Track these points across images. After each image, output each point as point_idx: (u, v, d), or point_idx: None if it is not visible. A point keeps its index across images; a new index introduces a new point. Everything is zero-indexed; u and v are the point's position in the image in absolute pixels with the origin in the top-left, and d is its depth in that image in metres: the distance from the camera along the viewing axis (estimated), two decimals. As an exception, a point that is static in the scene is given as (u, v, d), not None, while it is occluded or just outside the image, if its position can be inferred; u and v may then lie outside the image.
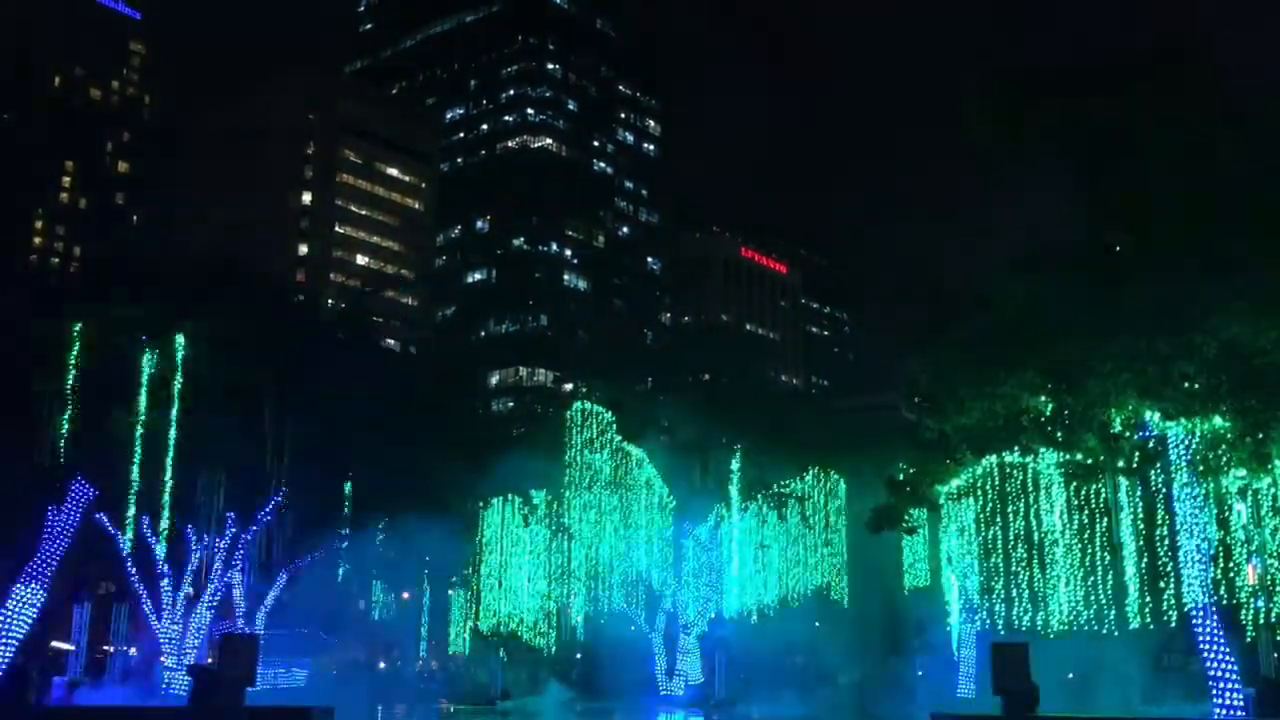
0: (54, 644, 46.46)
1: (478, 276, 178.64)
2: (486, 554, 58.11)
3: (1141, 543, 34.65)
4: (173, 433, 37.51)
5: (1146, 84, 30.67)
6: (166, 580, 41.80)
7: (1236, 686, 30.36)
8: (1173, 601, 33.21)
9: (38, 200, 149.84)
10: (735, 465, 55.85)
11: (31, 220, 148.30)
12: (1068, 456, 35.23)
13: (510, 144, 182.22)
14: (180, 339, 37.22)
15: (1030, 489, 37.69)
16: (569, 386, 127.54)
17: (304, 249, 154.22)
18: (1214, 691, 30.36)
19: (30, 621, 36.40)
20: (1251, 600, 34.29)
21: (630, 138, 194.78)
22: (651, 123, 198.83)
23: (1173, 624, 34.09)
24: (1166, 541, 33.79)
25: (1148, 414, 31.92)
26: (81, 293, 44.82)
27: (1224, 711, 29.92)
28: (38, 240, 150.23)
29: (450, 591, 62.16)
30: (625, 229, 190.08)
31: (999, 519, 38.56)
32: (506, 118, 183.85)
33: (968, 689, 47.13)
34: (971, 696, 45.39)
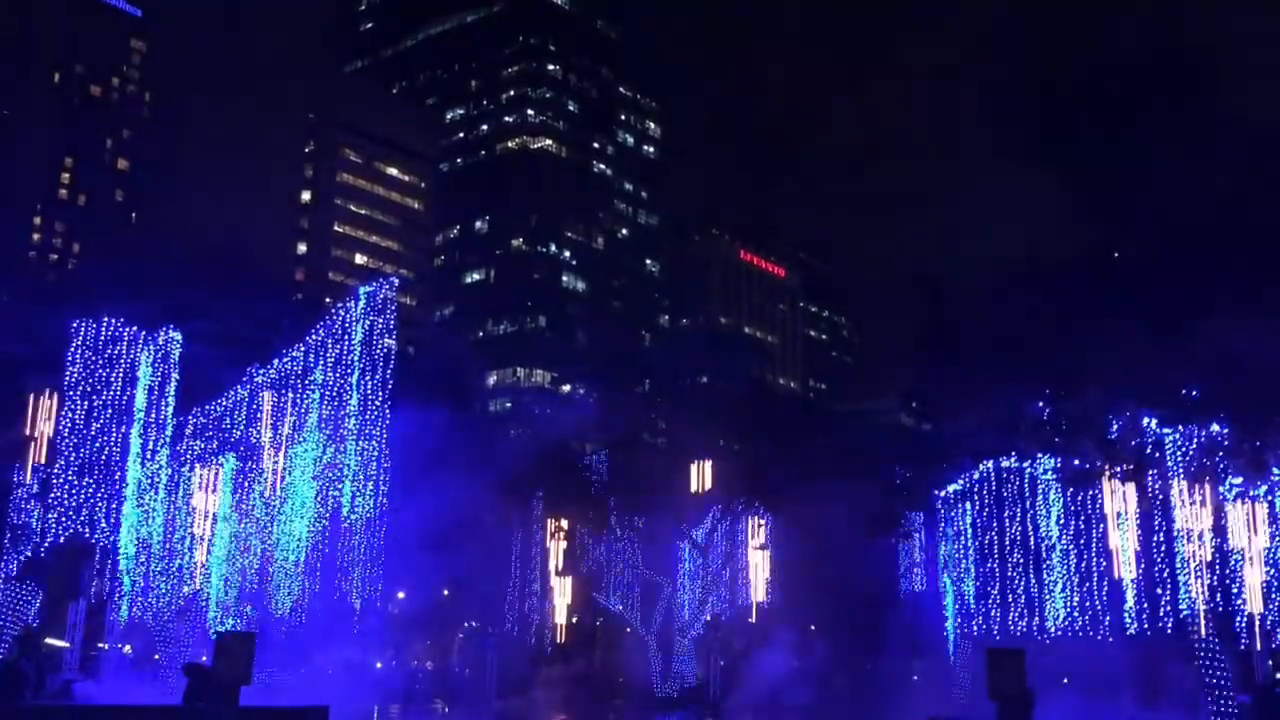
0: (49, 641, 46.27)
1: (476, 277, 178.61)
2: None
3: (1138, 549, 34.69)
4: (169, 431, 37.40)
5: (1148, 92, 30.78)
6: (161, 577, 41.71)
7: (1232, 693, 30.39)
8: (1169, 608, 33.26)
9: (37, 197, 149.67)
10: (732, 468, 55.80)
11: (31, 216, 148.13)
12: (1064, 460, 35.30)
13: (510, 144, 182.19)
14: (178, 337, 37.11)
15: (1026, 494, 37.80)
16: (566, 388, 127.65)
17: (303, 247, 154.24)
18: (1209, 698, 30.40)
19: (25, 619, 36.34)
20: (1247, 607, 34.28)
21: (630, 139, 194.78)
22: (651, 124, 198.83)
23: (1169, 630, 34.13)
24: (1163, 548, 33.85)
25: (1145, 420, 32.00)
26: (81, 289, 44.78)
27: (1219, 718, 29.94)
28: (36, 237, 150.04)
29: (445, 591, 62.12)
30: (624, 230, 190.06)
31: (995, 523, 38.66)
32: (506, 118, 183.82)
33: (961, 694, 47.07)
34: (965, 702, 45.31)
